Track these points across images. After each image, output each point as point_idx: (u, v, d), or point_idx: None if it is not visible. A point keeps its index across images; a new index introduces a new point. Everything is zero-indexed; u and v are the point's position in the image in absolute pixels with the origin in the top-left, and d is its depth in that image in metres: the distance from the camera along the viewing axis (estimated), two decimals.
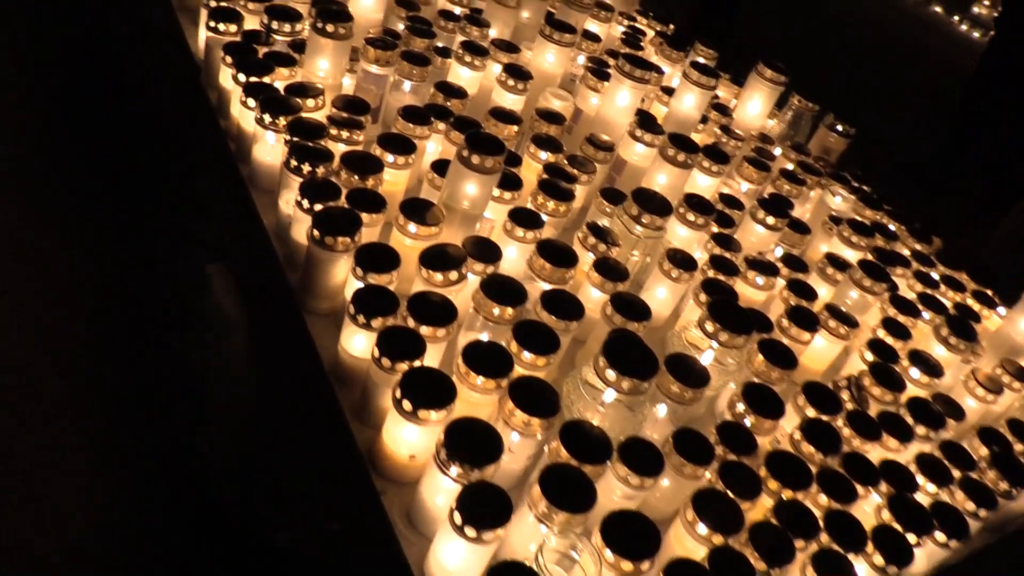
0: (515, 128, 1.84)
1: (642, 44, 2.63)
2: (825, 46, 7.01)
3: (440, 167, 1.61)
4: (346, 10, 1.79)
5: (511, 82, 1.96)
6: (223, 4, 1.92)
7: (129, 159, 2.48)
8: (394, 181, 1.65)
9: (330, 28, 1.73)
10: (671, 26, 2.96)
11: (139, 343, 2.31)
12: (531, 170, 1.82)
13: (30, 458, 2.04)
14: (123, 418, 2.17)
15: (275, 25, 1.88)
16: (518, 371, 1.27)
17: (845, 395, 1.54)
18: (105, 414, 2.17)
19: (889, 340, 1.72)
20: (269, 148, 1.65)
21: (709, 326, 1.45)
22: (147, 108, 2.31)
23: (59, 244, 2.52)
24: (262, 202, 1.65)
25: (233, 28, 1.87)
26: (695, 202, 1.77)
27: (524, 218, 1.57)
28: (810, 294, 1.76)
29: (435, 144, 1.80)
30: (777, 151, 2.39)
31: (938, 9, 9.72)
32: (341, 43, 1.77)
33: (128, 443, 2.13)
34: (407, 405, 1.13)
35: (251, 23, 1.95)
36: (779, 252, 1.96)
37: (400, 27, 2.16)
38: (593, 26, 2.58)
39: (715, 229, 1.84)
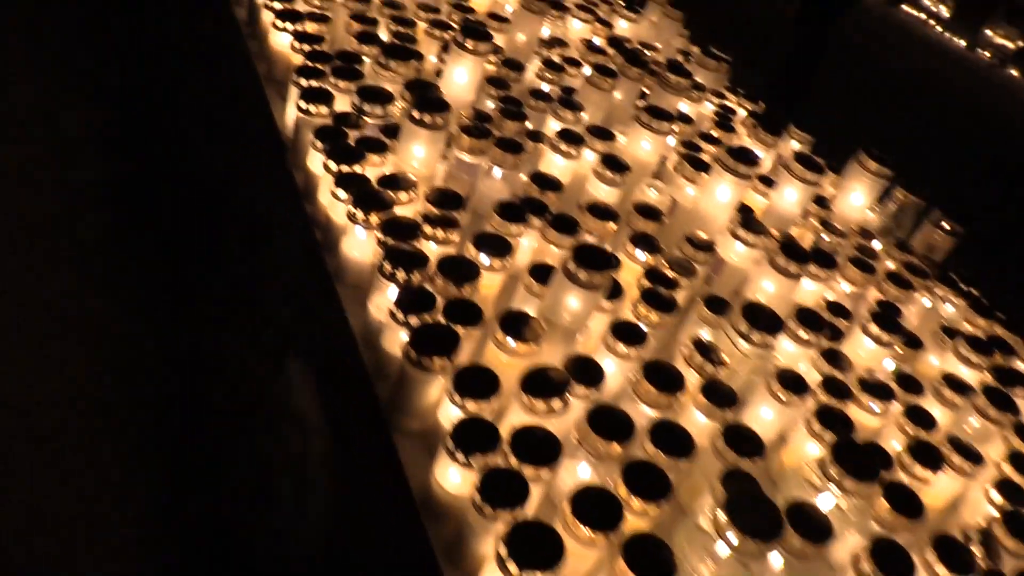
0: (614, 226, 1.75)
1: (733, 125, 2.53)
2: (891, 113, 6.83)
3: (539, 274, 1.51)
4: (443, 99, 1.72)
5: (608, 174, 1.86)
6: (314, 84, 1.86)
7: (204, 234, 2.44)
8: (488, 283, 1.55)
9: (427, 119, 1.66)
10: (761, 103, 2.86)
11: (205, 431, 2.25)
12: (629, 271, 1.72)
13: (82, 536, 1.99)
14: (181, 503, 2.10)
15: (367, 108, 1.81)
16: (628, 518, 1.16)
17: (975, 548, 1.40)
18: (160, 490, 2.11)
19: (1017, 479, 1.58)
20: (359, 243, 1.57)
21: (832, 470, 1.32)
22: (226, 181, 2.26)
23: (127, 322, 2.50)
24: (349, 299, 1.57)
25: (324, 110, 1.81)
26: (806, 317, 1.65)
27: (627, 333, 1.47)
28: (928, 422, 1.62)
29: (529, 239, 1.71)
30: (875, 244, 2.26)
31: (1014, 72, 9.48)
32: (437, 133, 1.69)
33: (183, 523, 2.06)
34: (513, 569, 1.03)
35: (341, 100, 1.89)
36: (889, 364, 1.83)
37: (489, 104, 2.09)
38: (683, 105, 2.48)
39: (824, 343, 1.71)
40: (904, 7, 9.78)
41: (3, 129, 3.09)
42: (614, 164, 1.89)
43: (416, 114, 1.66)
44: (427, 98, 1.68)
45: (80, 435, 2.20)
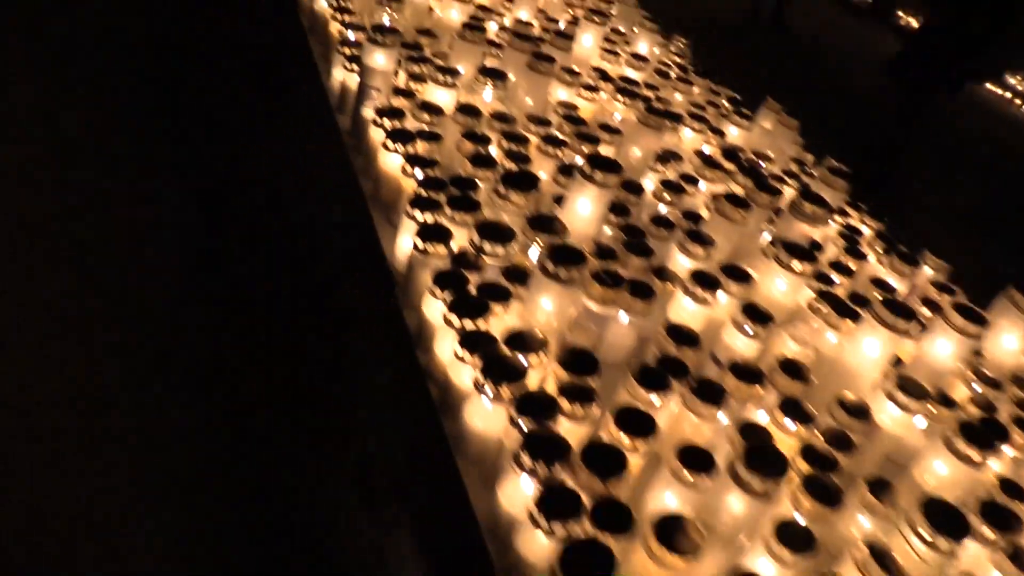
0: (761, 391, 1.56)
1: (863, 250, 2.34)
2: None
3: (692, 459, 1.33)
4: (579, 251, 1.56)
5: (750, 326, 1.68)
6: (430, 218, 1.73)
7: (297, 363, 2.30)
8: (631, 464, 1.37)
9: (563, 273, 1.50)
10: (886, 219, 2.66)
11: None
12: (780, 443, 1.53)
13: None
14: None
15: (487, 247, 1.66)
16: None
17: None
18: None
19: None
20: (485, 413, 1.41)
21: None
22: (326, 308, 2.13)
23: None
24: (472, 479, 1.40)
25: (442, 250, 1.67)
26: (991, 513, 1.43)
27: (795, 539, 1.27)
28: None
29: (669, 404, 1.53)
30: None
31: None
32: (569, 287, 1.53)
33: None
34: None
35: (457, 232, 1.75)
36: None
37: (606, 230, 1.94)
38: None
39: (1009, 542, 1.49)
40: (988, 86, 9.51)
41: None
42: (756, 315, 1.71)
43: (549, 267, 1.50)
44: (563, 249, 1.53)
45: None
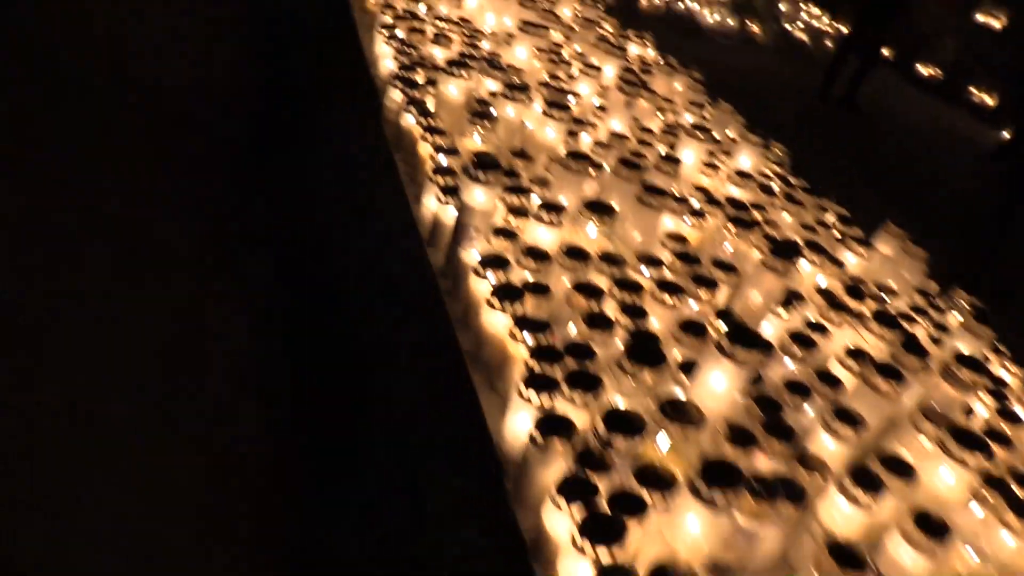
0: None
1: (1013, 408, 2.07)
2: None
3: None
4: (734, 467, 1.34)
5: (920, 539, 1.44)
6: (546, 400, 1.52)
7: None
8: None
9: (718, 500, 1.27)
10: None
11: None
12: None
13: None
14: None
15: (616, 443, 1.44)
16: None
17: None
18: None
19: None
20: None
21: None
22: (418, 492, 1.90)
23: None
24: None
25: (564, 446, 1.45)
26: None
27: None
28: None
29: None
30: None
31: None
32: (721, 512, 1.30)
33: None
34: None
35: (572, 410, 1.53)
36: None
37: (737, 397, 1.71)
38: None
39: None
40: None
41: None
42: (928, 525, 1.46)
43: (702, 489, 1.28)
44: (715, 469, 1.30)
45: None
